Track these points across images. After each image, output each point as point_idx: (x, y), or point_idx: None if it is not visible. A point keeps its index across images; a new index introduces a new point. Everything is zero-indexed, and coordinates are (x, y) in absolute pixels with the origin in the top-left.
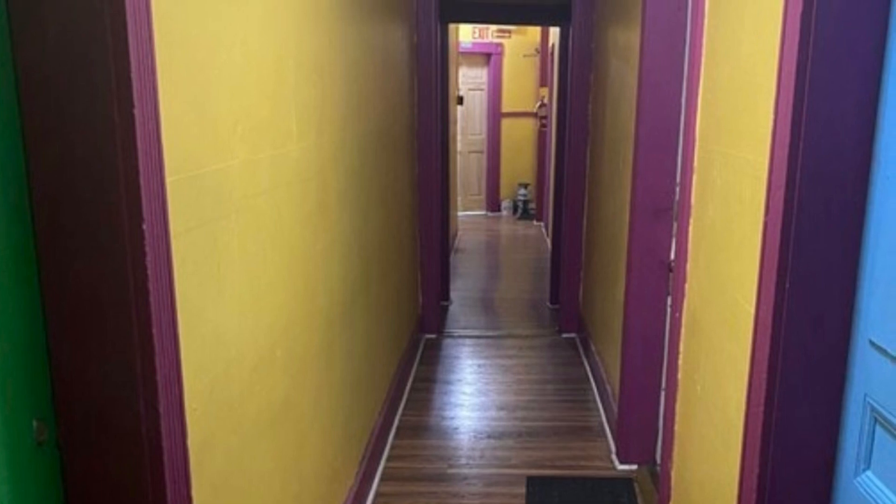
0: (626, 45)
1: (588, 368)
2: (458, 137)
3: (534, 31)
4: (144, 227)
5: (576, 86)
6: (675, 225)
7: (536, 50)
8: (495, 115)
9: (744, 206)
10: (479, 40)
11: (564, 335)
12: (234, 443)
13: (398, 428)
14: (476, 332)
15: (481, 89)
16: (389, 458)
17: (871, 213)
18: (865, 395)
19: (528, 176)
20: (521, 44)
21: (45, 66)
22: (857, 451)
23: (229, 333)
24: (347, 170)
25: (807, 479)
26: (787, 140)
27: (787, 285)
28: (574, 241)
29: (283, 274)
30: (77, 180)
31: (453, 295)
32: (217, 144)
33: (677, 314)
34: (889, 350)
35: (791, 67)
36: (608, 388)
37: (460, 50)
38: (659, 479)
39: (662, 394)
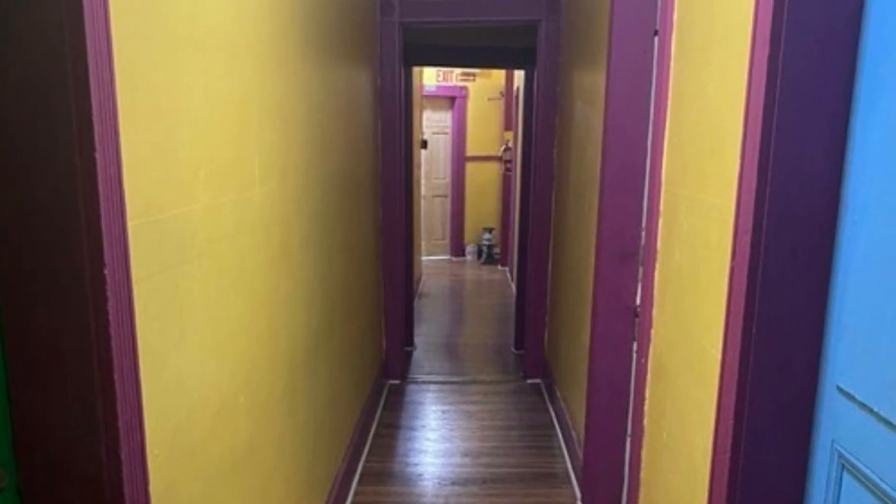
0: (591, 87)
1: (553, 414)
2: (422, 181)
3: (498, 75)
4: (106, 272)
5: (541, 129)
6: (640, 269)
7: (501, 93)
8: (459, 158)
9: (710, 250)
10: (444, 83)
11: (529, 381)
12: (197, 489)
13: (361, 474)
14: (440, 378)
15: (445, 133)
16: None
17: (838, 258)
18: (833, 441)
19: (493, 220)
20: (485, 87)
21: (5, 110)
22: (824, 498)
23: (192, 379)
24: (311, 214)
25: None
26: (753, 184)
27: (754, 330)
28: (539, 286)
29: (245, 319)
30: (38, 224)
31: (417, 340)
32: (179, 188)
33: (643, 359)
34: (857, 396)
35: (758, 111)
36: (573, 434)
37: (424, 93)
38: None
39: (628, 440)
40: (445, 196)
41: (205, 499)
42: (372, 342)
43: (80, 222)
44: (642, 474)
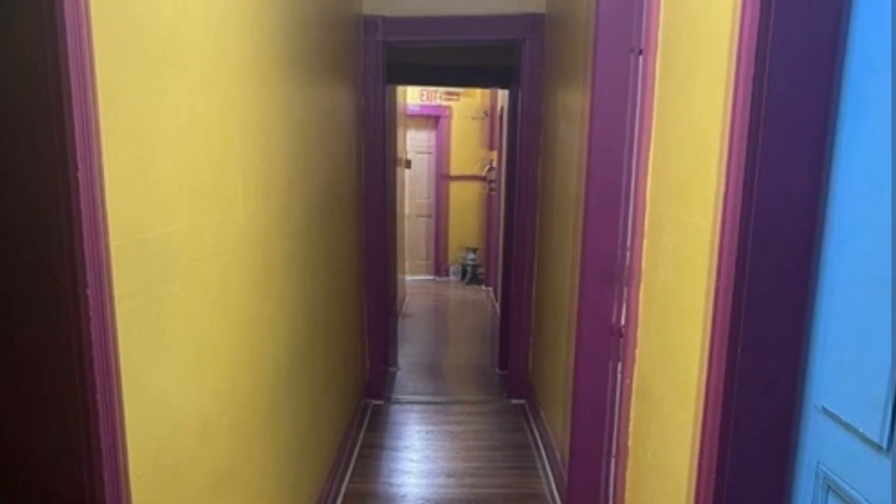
0: (574, 107)
1: (537, 435)
2: (405, 201)
3: (482, 94)
4: (88, 292)
5: (524, 149)
6: (624, 290)
7: (485, 113)
8: (443, 178)
9: (695, 270)
10: (427, 103)
11: (513, 401)
12: None
13: (345, 496)
14: (423, 398)
15: (429, 152)
16: None
17: (823, 278)
18: (818, 462)
19: (476, 240)
20: (468, 106)
21: None
22: None
23: (174, 399)
24: (293, 235)
25: None
26: (738, 204)
27: (739, 351)
28: (522, 307)
29: (228, 340)
30: (18, 245)
31: (400, 360)
32: (162, 208)
33: (627, 380)
34: (841, 416)
35: (742, 130)
36: (557, 454)
37: (407, 112)
38: None
39: (612, 461)
40: (429, 216)
41: None
42: (355, 362)
43: (61, 243)
44: (626, 495)
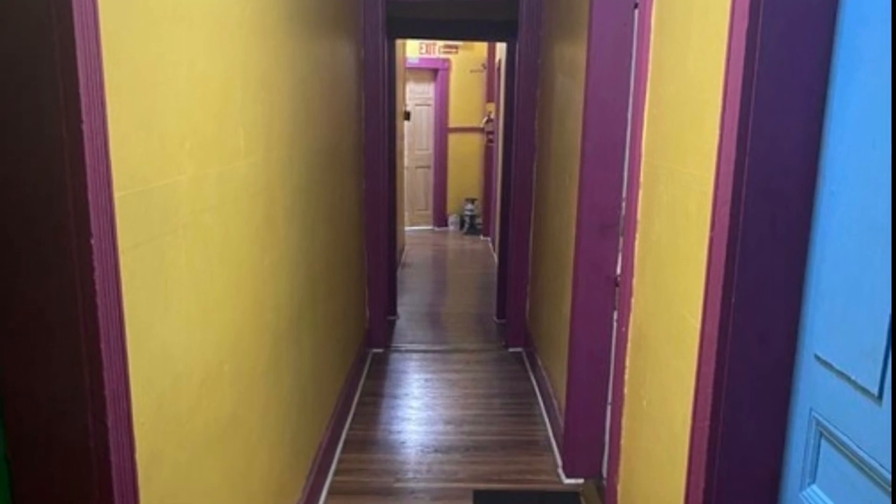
0: (572, 60)
1: (534, 382)
2: (405, 153)
3: (480, 47)
4: (93, 242)
5: (522, 101)
6: (621, 240)
7: (483, 65)
8: (442, 130)
9: (690, 221)
10: (427, 56)
11: (511, 349)
12: (183, 457)
13: (345, 442)
14: (423, 347)
15: (428, 104)
16: (337, 472)
17: (816, 228)
18: (811, 409)
19: (475, 191)
20: (468, 59)
21: None
22: (802, 465)
23: (177, 348)
24: (295, 187)
25: (752, 494)
26: (732, 155)
27: (733, 300)
28: (521, 256)
29: (230, 290)
30: (25, 195)
31: (400, 310)
32: (165, 160)
33: (623, 329)
34: (834, 364)
35: (737, 83)
36: (554, 402)
37: (407, 65)
38: (605, 493)
39: (609, 408)
40: (428, 167)
41: (190, 466)
42: (355, 312)
43: (66, 193)
44: (623, 442)
